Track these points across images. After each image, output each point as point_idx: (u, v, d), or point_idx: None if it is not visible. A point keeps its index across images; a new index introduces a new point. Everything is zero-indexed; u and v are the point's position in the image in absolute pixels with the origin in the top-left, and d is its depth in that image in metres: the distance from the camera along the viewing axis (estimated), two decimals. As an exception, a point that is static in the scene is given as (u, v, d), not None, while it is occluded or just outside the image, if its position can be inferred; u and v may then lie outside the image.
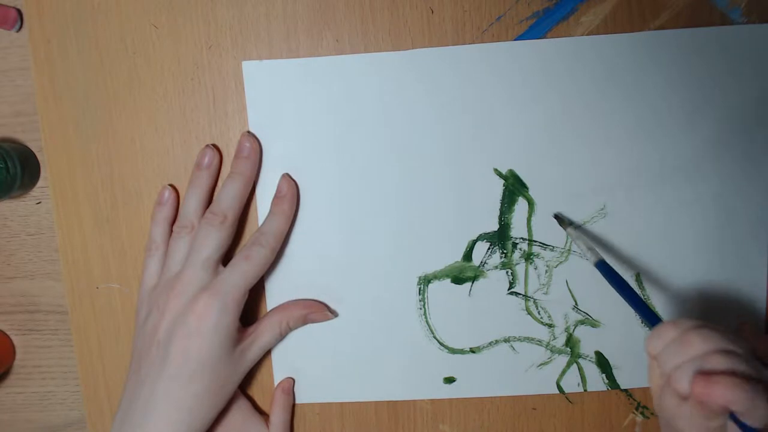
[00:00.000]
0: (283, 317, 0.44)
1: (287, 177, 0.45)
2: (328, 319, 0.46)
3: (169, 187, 0.45)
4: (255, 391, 0.48)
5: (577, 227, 0.45)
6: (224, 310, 0.40)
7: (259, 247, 0.42)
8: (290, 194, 0.44)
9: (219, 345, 0.41)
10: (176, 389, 0.40)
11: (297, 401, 0.48)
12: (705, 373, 0.31)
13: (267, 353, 0.47)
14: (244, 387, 0.47)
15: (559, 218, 0.45)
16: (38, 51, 0.44)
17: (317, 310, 0.45)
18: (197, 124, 0.45)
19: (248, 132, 0.44)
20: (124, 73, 0.44)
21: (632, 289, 0.38)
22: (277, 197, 0.44)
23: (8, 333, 0.49)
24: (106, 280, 0.47)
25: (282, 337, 0.45)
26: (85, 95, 0.44)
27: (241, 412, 0.46)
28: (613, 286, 0.39)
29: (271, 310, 0.45)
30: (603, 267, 0.40)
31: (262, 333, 0.44)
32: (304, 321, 0.45)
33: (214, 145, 0.44)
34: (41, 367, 0.49)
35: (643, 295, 0.46)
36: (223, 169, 0.45)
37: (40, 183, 0.46)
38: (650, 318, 0.36)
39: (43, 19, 0.44)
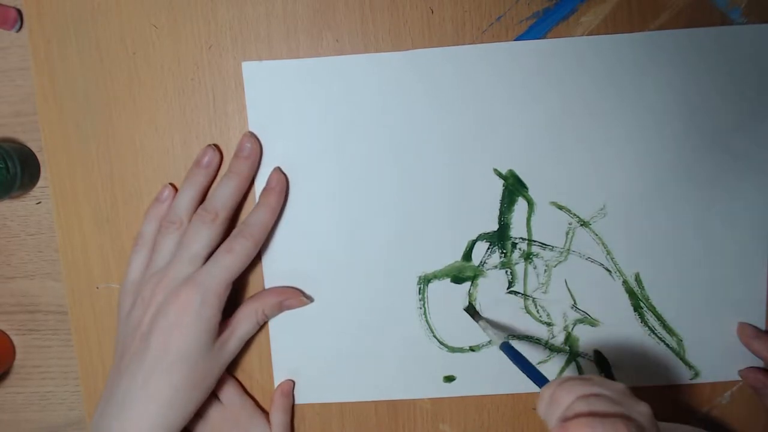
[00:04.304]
0: (258, 306, 0.44)
1: (278, 170, 0.44)
2: (304, 305, 0.46)
3: (170, 186, 0.45)
4: (255, 391, 0.48)
5: (488, 320, 0.46)
6: (205, 303, 0.40)
7: (242, 239, 0.42)
8: (279, 187, 0.44)
9: (199, 338, 0.40)
10: (155, 380, 0.40)
11: (297, 401, 0.48)
12: (565, 419, 0.33)
13: (267, 354, 0.47)
14: (244, 387, 0.48)
15: (471, 311, 0.46)
16: (38, 51, 0.44)
17: (292, 296, 0.45)
18: (197, 124, 0.45)
19: (250, 133, 0.44)
20: (124, 73, 0.44)
21: (534, 367, 0.40)
22: (266, 189, 0.44)
23: (8, 333, 0.49)
24: (106, 280, 0.47)
25: (259, 325, 0.45)
26: (85, 95, 0.44)
27: (245, 411, 0.46)
28: (517, 366, 0.41)
29: (246, 300, 0.45)
30: (507, 348, 0.42)
31: (239, 324, 0.44)
32: (280, 308, 0.45)
33: (216, 146, 0.44)
34: (41, 367, 0.49)
35: (643, 295, 0.46)
36: (221, 170, 0.45)
37: (40, 183, 0.46)
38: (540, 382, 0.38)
39: (43, 19, 0.44)
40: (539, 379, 0.38)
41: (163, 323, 0.40)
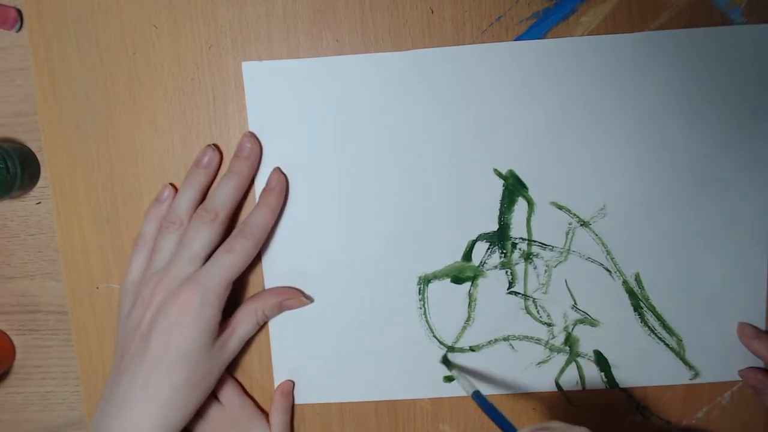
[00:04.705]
0: (258, 306, 0.44)
1: (278, 170, 0.44)
2: (304, 305, 0.46)
3: (170, 186, 0.45)
4: (255, 391, 0.48)
5: (461, 368, 0.47)
6: (205, 303, 0.40)
7: (242, 239, 0.42)
8: (279, 188, 0.44)
9: (199, 337, 0.40)
10: (155, 380, 0.40)
11: (297, 402, 0.48)
12: None
13: (267, 354, 0.47)
14: (244, 387, 0.48)
15: (445, 361, 0.47)
16: (38, 51, 0.44)
17: (292, 297, 0.45)
18: (197, 124, 0.45)
19: (250, 133, 0.44)
20: (124, 73, 0.44)
21: (503, 417, 0.40)
22: (266, 189, 0.44)
23: (8, 333, 0.49)
24: (106, 280, 0.47)
25: (259, 325, 0.45)
26: (85, 95, 0.44)
27: (245, 411, 0.46)
28: (487, 415, 0.41)
29: (246, 300, 0.45)
30: (477, 397, 0.42)
31: (239, 324, 0.44)
32: (280, 308, 0.45)
33: (216, 146, 0.44)
34: (41, 367, 0.49)
35: (643, 295, 0.46)
36: (221, 170, 0.45)
37: (40, 183, 0.46)
38: None
39: (43, 19, 0.44)
40: (508, 429, 0.39)
41: (163, 323, 0.40)
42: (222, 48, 0.44)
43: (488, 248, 0.46)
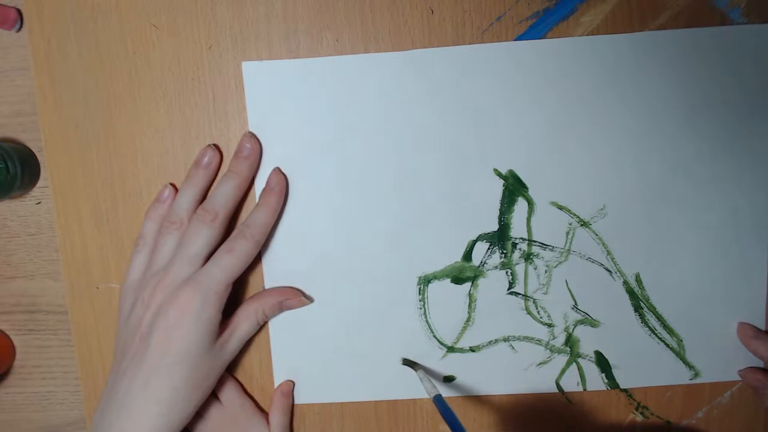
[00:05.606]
0: (258, 306, 0.44)
1: (277, 171, 0.44)
2: (304, 305, 0.46)
3: (170, 186, 0.45)
4: (255, 391, 0.48)
5: (424, 369, 0.47)
6: (205, 303, 0.40)
7: (243, 239, 0.42)
8: (279, 188, 0.44)
9: (199, 338, 0.40)
10: (156, 381, 0.40)
11: (297, 402, 0.48)
12: None
13: (267, 354, 0.47)
14: (244, 387, 0.48)
15: (409, 363, 0.47)
16: (38, 51, 0.44)
17: (292, 297, 0.45)
18: (197, 124, 0.45)
19: (250, 133, 0.44)
20: (124, 74, 0.44)
21: (461, 425, 0.39)
22: (266, 190, 0.44)
23: (8, 333, 0.49)
24: (106, 280, 0.47)
25: (259, 325, 0.45)
26: (85, 95, 0.44)
27: (244, 411, 0.46)
28: (444, 419, 0.40)
29: (246, 300, 0.45)
30: (439, 402, 0.42)
31: (239, 324, 0.44)
32: (280, 308, 0.45)
33: (216, 146, 0.44)
34: (41, 367, 0.49)
35: (643, 295, 0.46)
36: (221, 170, 0.45)
37: (40, 183, 0.46)
38: None
39: (43, 19, 0.44)
40: None
41: (163, 324, 0.40)
42: (222, 48, 0.44)
43: (488, 248, 0.46)
